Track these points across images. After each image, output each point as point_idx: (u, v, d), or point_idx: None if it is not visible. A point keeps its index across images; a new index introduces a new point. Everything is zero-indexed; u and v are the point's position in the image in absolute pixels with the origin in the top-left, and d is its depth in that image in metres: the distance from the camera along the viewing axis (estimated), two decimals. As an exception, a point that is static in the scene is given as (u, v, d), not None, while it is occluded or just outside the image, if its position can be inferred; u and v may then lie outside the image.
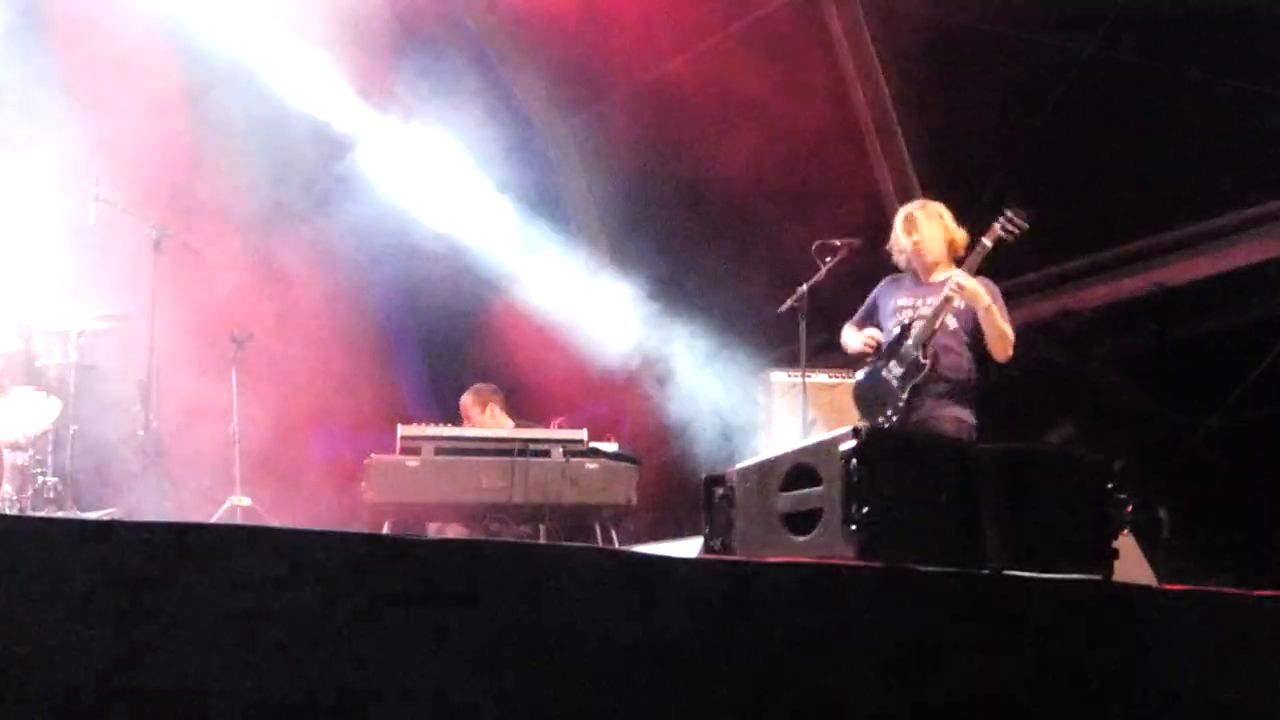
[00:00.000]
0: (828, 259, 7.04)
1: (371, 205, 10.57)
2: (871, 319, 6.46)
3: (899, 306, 6.30)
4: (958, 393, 6.13)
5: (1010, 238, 6.06)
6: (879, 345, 6.21)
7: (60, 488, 7.94)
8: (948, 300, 6.04)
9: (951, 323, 6.11)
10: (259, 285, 9.84)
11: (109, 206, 8.11)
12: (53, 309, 8.16)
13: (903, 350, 6.13)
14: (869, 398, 6.34)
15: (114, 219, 8.19)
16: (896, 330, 6.23)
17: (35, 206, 8.72)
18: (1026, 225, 6.04)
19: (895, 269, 6.52)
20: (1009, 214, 6.04)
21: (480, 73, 11.40)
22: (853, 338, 6.47)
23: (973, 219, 8.07)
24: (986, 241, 6.09)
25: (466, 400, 9.01)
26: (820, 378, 7.75)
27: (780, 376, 7.97)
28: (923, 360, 6.04)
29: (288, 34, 10.43)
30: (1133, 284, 8.51)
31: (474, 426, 8.75)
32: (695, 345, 10.30)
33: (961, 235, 6.33)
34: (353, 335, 10.32)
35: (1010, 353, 6.14)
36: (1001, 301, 6.17)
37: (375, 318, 10.57)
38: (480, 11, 11.69)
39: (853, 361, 6.67)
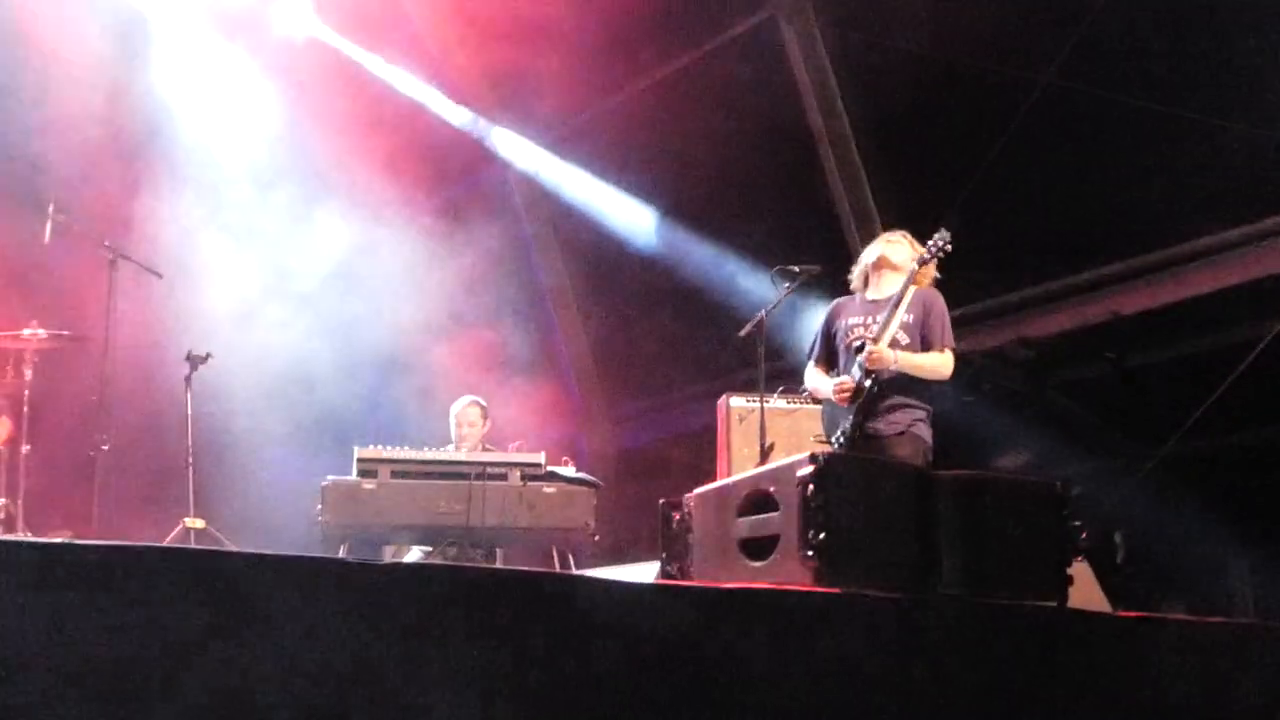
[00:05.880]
0: (786, 285, 7.02)
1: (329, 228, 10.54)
2: (829, 349, 6.43)
3: (850, 326, 6.29)
4: (911, 407, 6.11)
5: (934, 258, 6.12)
6: (854, 389, 6.13)
7: (11, 509, 7.83)
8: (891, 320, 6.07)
9: (903, 338, 6.08)
10: (215, 305, 9.78)
11: (64, 225, 8.01)
12: (6, 328, 8.05)
13: (853, 372, 6.10)
14: (828, 413, 6.35)
15: (69, 238, 8.10)
16: (849, 352, 6.23)
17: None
18: (949, 247, 6.11)
19: (845, 291, 6.50)
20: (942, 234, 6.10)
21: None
22: (822, 383, 6.34)
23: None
24: (914, 264, 6.15)
25: (472, 411, 8.80)
26: (778, 403, 7.75)
27: (738, 402, 7.96)
28: (866, 384, 6.02)
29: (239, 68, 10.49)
30: (1089, 312, 8.57)
31: (479, 439, 8.63)
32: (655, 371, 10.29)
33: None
34: (310, 357, 10.24)
35: (948, 374, 6.14)
36: (943, 314, 6.18)
37: (335, 340, 10.47)
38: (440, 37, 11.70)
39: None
